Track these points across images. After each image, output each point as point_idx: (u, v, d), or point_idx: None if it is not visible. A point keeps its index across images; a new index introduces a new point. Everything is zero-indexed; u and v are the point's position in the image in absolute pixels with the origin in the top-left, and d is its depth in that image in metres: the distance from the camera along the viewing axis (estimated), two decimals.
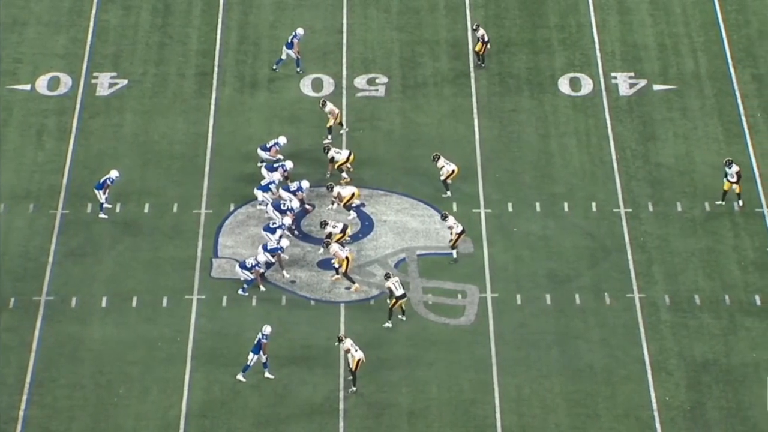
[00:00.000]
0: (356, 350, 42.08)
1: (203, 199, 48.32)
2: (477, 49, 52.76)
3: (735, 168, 47.24)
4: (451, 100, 52.02)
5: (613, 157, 50.10)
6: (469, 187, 48.69)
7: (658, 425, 42.07)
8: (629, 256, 46.80)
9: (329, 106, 49.71)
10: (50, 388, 42.57)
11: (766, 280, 46.09)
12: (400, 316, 44.40)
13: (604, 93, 52.17)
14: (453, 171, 47.92)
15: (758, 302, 45.56)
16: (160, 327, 44.35)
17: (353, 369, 42.09)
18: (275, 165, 47.98)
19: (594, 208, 48.43)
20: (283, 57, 52.35)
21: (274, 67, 52.52)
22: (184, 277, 45.86)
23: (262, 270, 45.18)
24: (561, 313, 45.02)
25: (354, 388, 42.13)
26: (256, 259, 45.10)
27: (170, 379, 42.89)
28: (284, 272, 45.65)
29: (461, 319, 45.09)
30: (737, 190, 47.56)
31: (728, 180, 47.44)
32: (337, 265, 45.33)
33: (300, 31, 52.24)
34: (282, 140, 48.81)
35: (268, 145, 48.69)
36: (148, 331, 44.24)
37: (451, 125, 51.18)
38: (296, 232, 47.09)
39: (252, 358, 42.57)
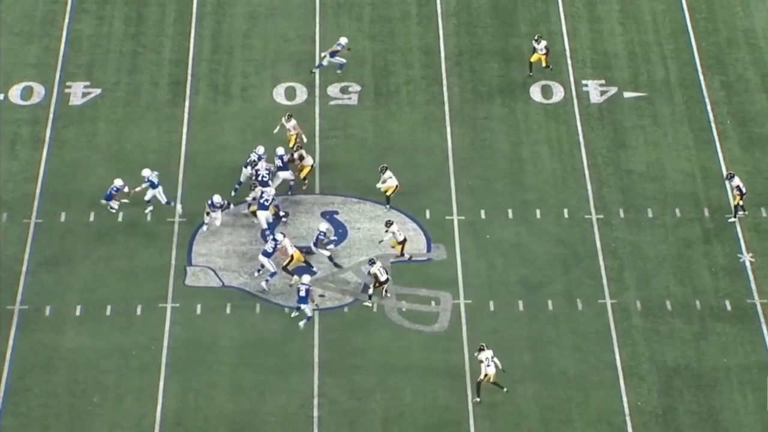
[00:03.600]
0: (489, 365, 42.26)
1: (177, 209, 48.15)
2: (533, 59, 52.57)
3: (736, 181, 47.23)
4: (424, 108, 51.97)
5: (585, 163, 50.13)
6: (441, 194, 48.64)
7: (630, 430, 42.10)
8: (601, 262, 46.81)
9: (292, 122, 49.63)
10: (25, 397, 42.38)
11: (737, 286, 46.23)
12: (386, 294, 45.00)
13: (575, 100, 52.21)
14: (396, 186, 47.94)
15: (729, 307, 45.66)
16: (134, 335, 44.17)
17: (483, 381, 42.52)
18: (263, 178, 48.10)
19: (566, 215, 48.45)
20: (324, 63, 52.36)
21: (313, 71, 52.77)
22: (158, 286, 45.68)
23: (285, 245, 45.69)
24: (533, 320, 45.01)
25: (478, 399, 42.57)
26: (273, 238, 45.49)
27: (144, 387, 42.74)
28: (294, 277, 45.85)
29: (435, 326, 45.02)
30: (735, 202, 47.58)
31: (733, 193, 47.66)
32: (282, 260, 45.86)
33: (343, 40, 52.36)
34: (260, 150, 48.67)
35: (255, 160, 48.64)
36: (123, 339, 44.05)
37: (424, 133, 51.12)
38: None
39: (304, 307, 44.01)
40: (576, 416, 42.38)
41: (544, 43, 52.40)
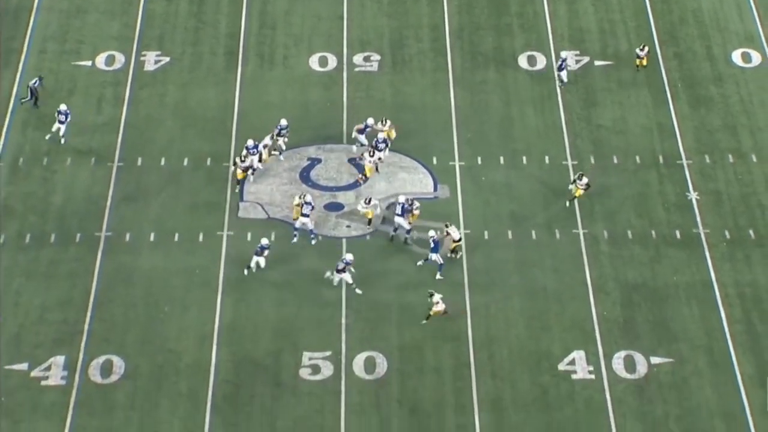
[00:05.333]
0: (438, 302, 41.82)
1: (231, 154, 48.03)
2: (638, 63, 51.07)
3: (585, 180, 45.42)
4: (431, 74, 51.52)
5: (562, 120, 49.67)
6: (446, 144, 48.31)
7: (597, 335, 42.04)
8: (576, 201, 46.32)
9: (388, 124, 47.72)
10: (109, 307, 42.48)
11: (685, 218, 45.86)
12: (452, 255, 43.98)
13: (554, 67, 51.70)
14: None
15: (678, 236, 45.36)
16: (197, 258, 44.11)
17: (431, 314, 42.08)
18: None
19: (547, 161, 48.06)
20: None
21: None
22: (216, 218, 45.53)
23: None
24: (520, 246, 44.81)
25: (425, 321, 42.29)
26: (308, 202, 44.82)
27: (205, 300, 42.74)
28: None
29: (440, 251, 44.97)
30: (576, 194, 45.64)
31: (578, 187, 45.57)
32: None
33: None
34: (283, 122, 48.06)
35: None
36: (187, 261, 44.00)
37: (432, 95, 50.70)
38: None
39: (434, 256, 43.42)
40: (554, 324, 42.31)
41: (647, 49, 51.07)
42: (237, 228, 45.25)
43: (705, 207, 46.25)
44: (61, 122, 47.62)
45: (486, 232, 45.27)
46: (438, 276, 43.49)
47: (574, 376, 40.71)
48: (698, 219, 45.86)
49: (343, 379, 40.49)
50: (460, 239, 44.27)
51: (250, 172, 46.47)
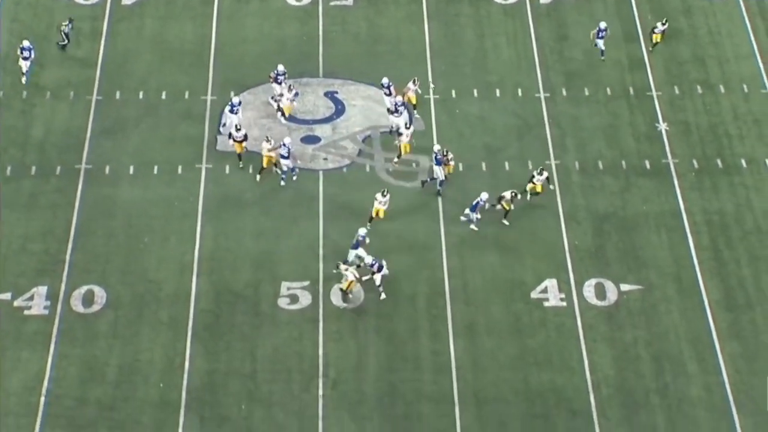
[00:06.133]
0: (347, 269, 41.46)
1: (209, 88, 47.98)
2: (655, 40, 49.57)
3: (545, 175, 43.78)
4: (406, 7, 51.36)
5: (535, 52, 49.76)
6: (420, 76, 48.11)
7: (569, 264, 42.43)
8: (547, 131, 46.71)
9: (417, 85, 46.84)
10: (90, 238, 42.61)
11: (654, 149, 46.19)
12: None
13: (527, 1, 51.66)
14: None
15: (648, 166, 45.66)
16: (176, 189, 44.21)
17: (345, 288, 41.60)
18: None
19: (520, 93, 48.19)
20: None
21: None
22: (194, 150, 45.58)
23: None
24: (493, 177, 44.93)
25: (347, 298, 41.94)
26: (284, 144, 44.41)
27: (185, 231, 42.93)
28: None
29: (415, 182, 45.00)
30: (539, 190, 43.89)
31: (535, 183, 43.80)
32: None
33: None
34: (280, 68, 47.40)
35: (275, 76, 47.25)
36: (167, 192, 44.09)
37: (407, 28, 50.60)
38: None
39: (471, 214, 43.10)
40: (527, 252, 42.64)
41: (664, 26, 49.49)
42: (215, 160, 45.27)
43: (674, 137, 46.56)
44: (25, 59, 47.14)
45: (460, 164, 45.34)
46: (438, 188, 44.07)
47: (546, 304, 41.20)
48: (667, 149, 46.15)
49: (321, 308, 40.87)
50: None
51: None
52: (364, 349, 39.90)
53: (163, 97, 47.43)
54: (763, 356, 39.69)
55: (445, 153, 44.22)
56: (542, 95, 48.18)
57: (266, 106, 47.40)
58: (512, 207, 43.23)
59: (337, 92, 48.17)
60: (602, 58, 48.98)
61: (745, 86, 48.53)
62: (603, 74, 48.78)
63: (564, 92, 48.24)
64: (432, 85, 47.27)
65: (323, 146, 46.24)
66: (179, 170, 44.85)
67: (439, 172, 44.18)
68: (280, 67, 47.23)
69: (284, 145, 44.28)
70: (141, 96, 47.41)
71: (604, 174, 45.25)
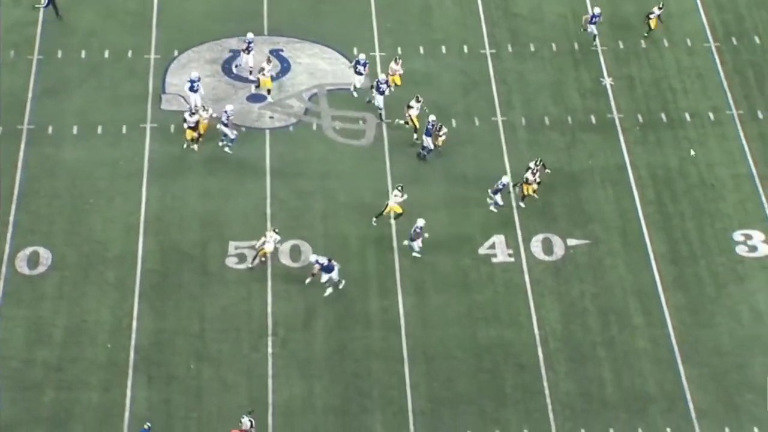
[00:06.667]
0: (268, 241, 40.65)
1: (152, 47, 47.36)
2: (650, 24, 48.27)
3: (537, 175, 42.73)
4: None
5: (480, 9, 49.43)
6: (366, 34, 48.01)
7: (516, 219, 42.42)
8: (494, 88, 46.62)
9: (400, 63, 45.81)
10: (34, 198, 42.05)
11: (600, 104, 46.24)
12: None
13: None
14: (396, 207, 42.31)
15: (593, 121, 45.77)
16: (120, 150, 43.70)
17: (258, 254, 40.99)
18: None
19: (466, 50, 48.03)
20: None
21: None
22: (138, 110, 45.02)
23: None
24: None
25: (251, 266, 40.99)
26: (225, 111, 43.70)
27: (131, 191, 42.50)
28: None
29: (362, 140, 44.82)
30: (532, 191, 42.76)
31: (528, 183, 42.61)
32: None
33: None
34: (250, 36, 46.41)
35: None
36: (111, 153, 43.57)
37: None
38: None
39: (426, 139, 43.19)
40: (473, 208, 42.58)
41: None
42: (160, 120, 44.77)
43: (619, 92, 46.64)
44: None
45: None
46: (422, 152, 43.74)
47: (494, 260, 41.26)
48: (612, 104, 46.25)
49: (269, 267, 40.66)
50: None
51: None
52: (313, 307, 39.76)
53: (106, 56, 46.73)
54: (708, 308, 40.06)
55: (436, 125, 43.63)
56: (488, 52, 48.04)
57: (210, 64, 46.89)
58: (531, 192, 42.53)
59: (282, 50, 47.71)
60: (595, 43, 47.77)
61: (688, 40, 48.70)
62: (548, 29, 48.72)
63: (510, 48, 48.12)
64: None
65: (269, 105, 45.87)
66: (123, 130, 44.29)
67: (429, 142, 43.79)
68: (250, 35, 46.48)
69: (225, 112, 43.61)
70: (83, 55, 46.68)
71: (550, 130, 45.29)
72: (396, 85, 45.55)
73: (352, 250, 41.22)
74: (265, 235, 40.34)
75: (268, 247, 40.38)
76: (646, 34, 48.45)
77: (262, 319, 39.33)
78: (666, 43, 48.54)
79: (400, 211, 41.88)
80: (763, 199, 43.10)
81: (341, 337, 38.94)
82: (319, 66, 47.21)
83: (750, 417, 37.11)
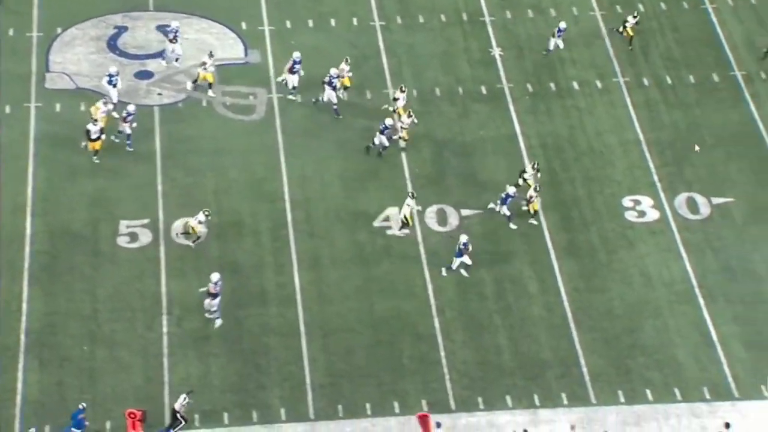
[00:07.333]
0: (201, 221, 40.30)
1: (34, 24, 46.21)
2: (629, 34, 47.36)
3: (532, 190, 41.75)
4: None
5: None
6: (253, 9, 47.49)
7: (409, 187, 42.40)
8: (384, 60, 46.56)
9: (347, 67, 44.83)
10: None
11: (489, 75, 46.47)
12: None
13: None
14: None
15: (484, 91, 45.97)
16: (5, 130, 42.58)
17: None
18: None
19: (355, 23, 47.82)
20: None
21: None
22: (22, 89, 43.96)
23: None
24: (330, 107, 44.45)
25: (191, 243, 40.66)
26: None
27: (17, 172, 41.46)
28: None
29: (253, 115, 44.46)
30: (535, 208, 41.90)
31: (532, 201, 41.68)
32: None
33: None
34: (174, 24, 45.46)
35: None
36: None
37: None
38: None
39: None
40: (369, 183, 42.52)
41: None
42: (45, 99, 43.80)
43: (508, 62, 46.91)
44: None
45: (299, 96, 44.93)
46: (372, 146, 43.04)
47: (389, 232, 41.26)
48: (502, 74, 46.49)
49: (162, 245, 40.14)
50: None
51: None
52: (208, 284, 39.30)
53: None
54: (599, 274, 40.59)
55: (388, 126, 42.58)
56: (377, 24, 47.91)
57: (95, 41, 45.99)
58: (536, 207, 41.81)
59: (168, 26, 46.90)
60: (546, 53, 46.79)
61: (575, 9, 49.17)
62: (437, 1, 48.72)
63: (399, 20, 48.05)
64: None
65: (157, 81, 45.14)
66: (7, 110, 43.22)
67: (384, 141, 42.87)
68: (174, 23, 45.53)
69: (127, 111, 42.30)
70: None
71: (441, 101, 45.38)
72: (345, 87, 44.78)
73: (246, 226, 40.81)
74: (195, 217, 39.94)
75: (197, 226, 39.95)
76: (630, 47, 47.30)
77: (156, 298, 38.78)
78: (553, 13, 48.93)
79: (410, 221, 41.25)
80: (651, 164, 43.86)
81: (237, 315, 38.60)
82: (207, 41, 46.55)
83: (642, 379, 37.77)
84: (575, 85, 46.36)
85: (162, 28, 46.61)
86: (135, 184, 41.65)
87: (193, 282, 39.17)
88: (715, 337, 38.84)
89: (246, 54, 46.34)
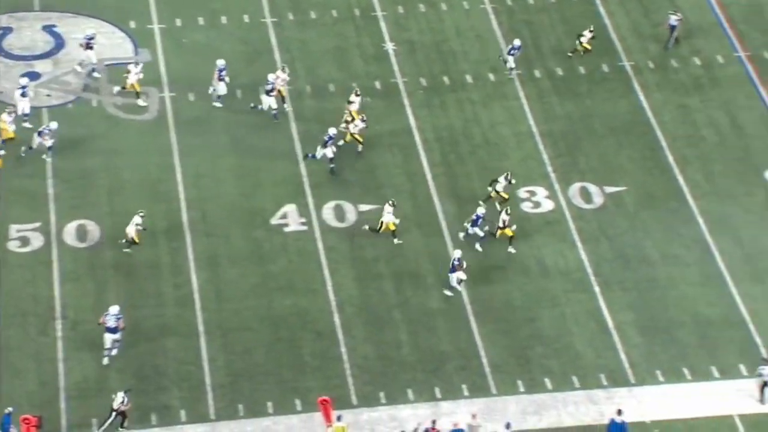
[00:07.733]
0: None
1: None
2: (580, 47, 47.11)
3: (505, 212, 40.99)
4: None
5: None
6: (142, 7, 47.03)
7: (307, 188, 42.01)
8: (277, 57, 46.33)
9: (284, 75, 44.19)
10: None
11: (383, 69, 46.51)
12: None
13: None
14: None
15: (379, 87, 46.02)
16: None
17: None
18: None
19: (246, 19, 47.52)
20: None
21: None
22: None
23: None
24: (228, 107, 44.19)
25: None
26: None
27: None
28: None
29: (146, 115, 43.91)
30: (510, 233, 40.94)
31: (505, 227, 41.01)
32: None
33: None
34: (90, 32, 44.64)
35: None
36: None
37: None
38: None
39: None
40: (265, 180, 42.14)
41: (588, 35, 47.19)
42: None
43: (401, 57, 47.00)
44: None
45: (191, 94, 44.57)
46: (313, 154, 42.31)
47: (286, 229, 41.05)
48: (395, 69, 46.56)
49: (55, 249, 39.41)
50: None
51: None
52: (103, 287, 38.73)
53: None
54: (496, 265, 40.84)
55: (332, 135, 41.86)
56: (269, 20, 47.66)
57: None
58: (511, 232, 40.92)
59: (55, 26, 46.21)
60: (509, 72, 46.44)
61: (465, 3, 49.38)
62: None
63: (291, 16, 47.86)
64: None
65: (45, 82, 44.35)
66: None
67: (329, 153, 42.02)
68: (90, 32, 44.70)
69: (47, 128, 41.51)
70: None
71: (335, 97, 45.24)
72: (281, 96, 44.25)
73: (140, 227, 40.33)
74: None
75: (131, 230, 39.35)
76: (581, 53, 47.06)
77: (50, 302, 38.06)
78: (444, 7, 49.14)
79: (393, 228, 40.64)
80: (544, 155, 44.28)
81: (134, 316, 37.97)
82: (96, 41, 45.80)
83: (541, 369, 38.08)
84: (468, 78, 46.63)
85: (48, 28, 45.79)
86: (24, 186, 40.85)
87: (88, 285, 38.51)
88: (610, 324, 39.37)
89: (136, 53, 45.73)
